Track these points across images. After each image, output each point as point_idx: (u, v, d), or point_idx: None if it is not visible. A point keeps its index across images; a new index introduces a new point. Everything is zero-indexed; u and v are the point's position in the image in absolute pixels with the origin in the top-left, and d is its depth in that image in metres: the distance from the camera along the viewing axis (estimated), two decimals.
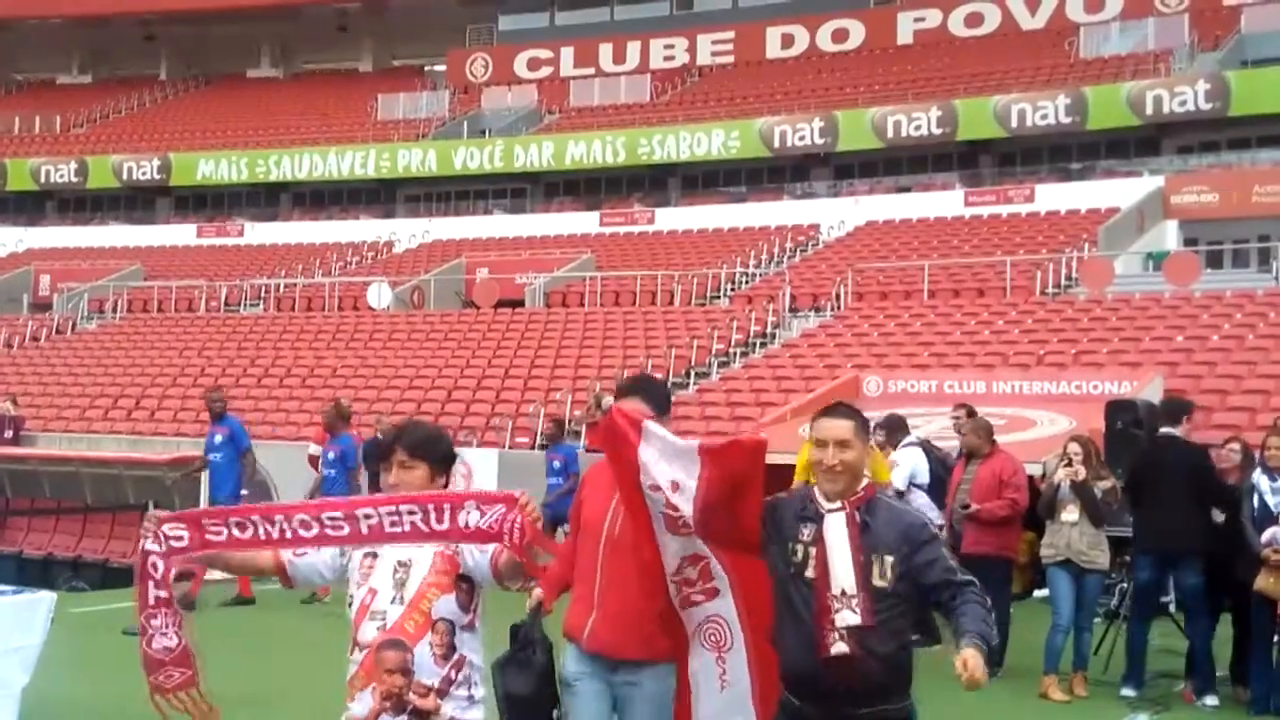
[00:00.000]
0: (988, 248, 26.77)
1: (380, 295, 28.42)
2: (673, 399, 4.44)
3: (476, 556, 3.67)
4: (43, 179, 41.81)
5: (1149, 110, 31.04)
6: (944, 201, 31.59)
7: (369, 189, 40.10)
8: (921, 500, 9.43)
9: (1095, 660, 8.19)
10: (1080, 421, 12.55)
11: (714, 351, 21.80)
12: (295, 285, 31.02)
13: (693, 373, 21.07)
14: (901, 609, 3.72)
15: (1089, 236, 26.15)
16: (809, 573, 3.68)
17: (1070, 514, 7.79)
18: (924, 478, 9.61)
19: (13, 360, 27.47)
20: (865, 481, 3.77)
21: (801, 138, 34.79)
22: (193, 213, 41.60)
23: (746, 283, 27.42)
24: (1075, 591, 7.80)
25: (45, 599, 6.28)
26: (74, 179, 41.65)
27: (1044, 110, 32.20)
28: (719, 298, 26.45)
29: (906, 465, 9.53)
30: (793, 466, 8.69)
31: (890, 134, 33.76)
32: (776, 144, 35.06)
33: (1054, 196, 30.21)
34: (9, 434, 18.32)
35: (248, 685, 7.77)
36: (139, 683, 3.51)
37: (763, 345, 22.51)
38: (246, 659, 8.72)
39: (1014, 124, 32.53)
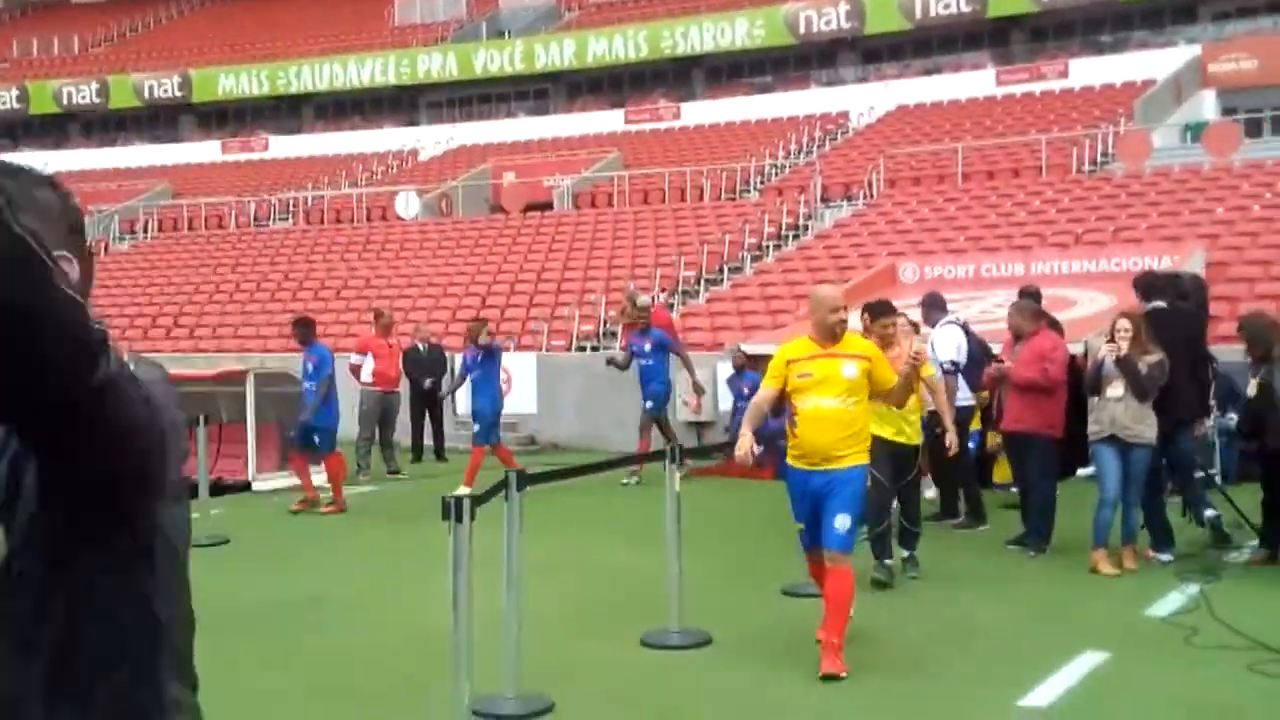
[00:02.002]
0: (1021, 127, 26.32)
1: (408, 204, 28.32)
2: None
3: None
4: (65, 101, 41.72)
5: None
6: (976, 82, 30.98)
7: (391, 97, 39.78)
8: (959, 383, 9.35)
9: (1143, 534, 8.21)
10: (1121, 299, 12.41)
11: (746, 245, 21.65)
12: (323, 197, 30.97)
13: (725, 268, 20.96)
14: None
15: (1125, 111, 25.62)
16: None
17: (1115, 390, 7.74)
18: (962, 358, 9.49)
19: None
20: None
21: (827, 22, 34.10)
22: (216, 129, 41.45)
23: (776, 175, 27.12)
24: (1122, 466, 7.80)
25: None
26: (95, 100, 41.54)
27: None
28: (749, 191, 26.18)
29: (950, 342, 9.39)
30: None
31: (919, 14, 33.01)
32: (802, 30, 34.38)
33: (1088, 71, 29.56)
34: None
35: (336, 588, 7.95)
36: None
37: (795, 237, 22.33)
38: (334, 564, 8.91)
39: None
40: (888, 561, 7.60)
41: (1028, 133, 25.25)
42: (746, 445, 5.95)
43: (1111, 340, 7.79)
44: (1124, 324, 7.76)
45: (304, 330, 11.69)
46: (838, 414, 5.81)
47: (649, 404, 12.86)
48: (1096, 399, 7.87)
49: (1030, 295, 9.89)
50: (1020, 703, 5.34)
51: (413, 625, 6.73)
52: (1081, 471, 10.08)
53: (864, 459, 5.89)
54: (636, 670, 5.95)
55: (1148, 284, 9.22)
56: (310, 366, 11.32)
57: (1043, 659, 5.91)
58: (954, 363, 9.24)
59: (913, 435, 7.70)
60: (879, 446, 7.02)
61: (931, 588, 7.47)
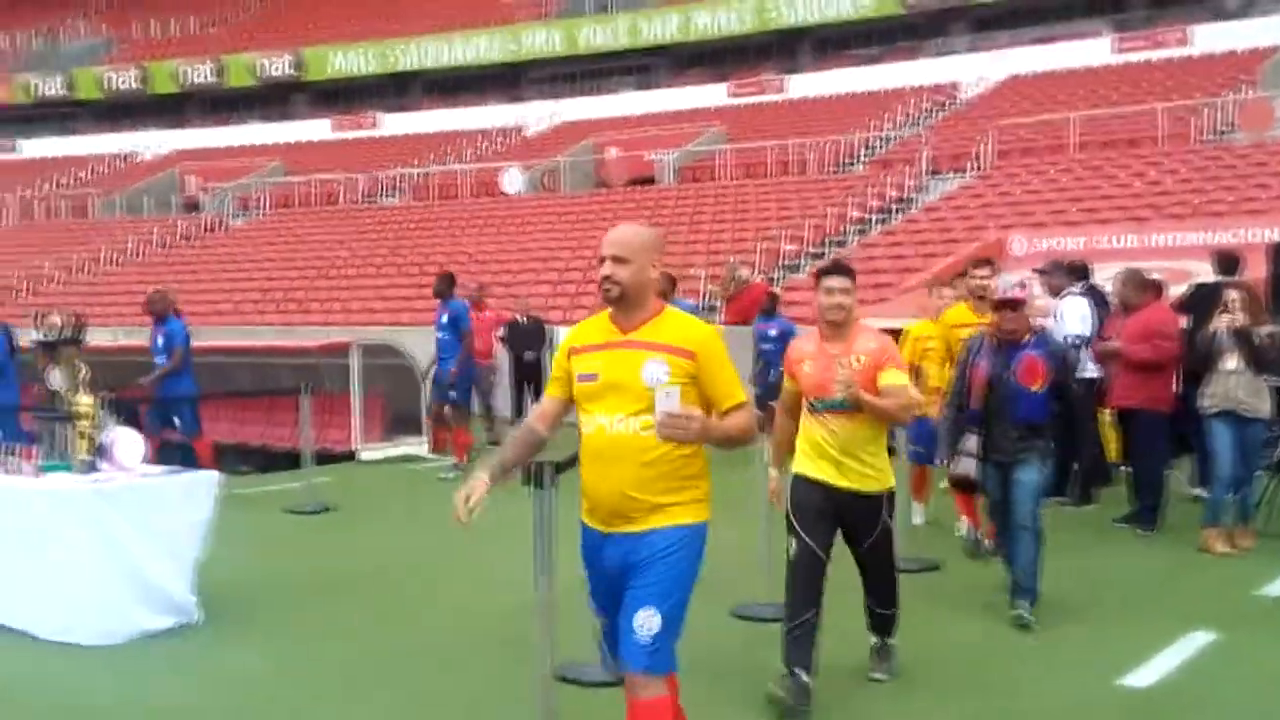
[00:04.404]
0: (1139, 96, 25.49)
1: (513, 180, 28.56)
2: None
3: None
4: (183, 80, 42.90)
5: None
6: (1092, 50, 30.07)
7: (497, 74, 40.06)
8: (1083, 355, 8.98)
9: (1258, 513, 7.92)
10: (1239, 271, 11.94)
11: (850, 219, 21.37)
12: (430, 174, 31.37)
13: (829, 242, 20.72)
14: None
15: (1248, 78, 24.65)
16: None
17: (1229, 362, 7.46)
18: (1088, 330, 9.01)
19: (167, 259, 28.56)
20: None
21: None
22: (327, 107, 42.22)
23: (883, 147, 26.71)
24: (1237, 442, 7.51)
25: (209, 476, 6.58)
26: (212, 79, 42.62)
27: None
28: (854, 164, 25.83)
29: (1075, 314, 9.02)
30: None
31: None
32: None
33: (1210, 38, 28.49)
34: None
35: (433, 555, 8.08)
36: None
37: (901, 211, 21.97)
38: (433, 532, 9.07)
39: None
40: (800, 673, 4.88)
41: (1145, 101, 24.45)
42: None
43: (1226, 311, 7.50)
44: (1232, 294, 7.47)
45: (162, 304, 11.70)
46: (631, 444, 3.48)
47: (454, 393, 11.68)
48: (1209, 372, 7.59)
49: (1070, 270, 9.66)
50: (1121, 682, 5.18)
51: (509, 592, 6.77)
52: None
53: (693, 515, 3.59)
54: (726, 641, 5.91)
55: (1224, 261, 9.10)
56: (160, 341, 11.34)
57: (1147, 639, 5.73)
58: (1079, 336, 8.90)
59: (872, 479, 4.93)
60: (807, 494, 4.91)
61: None
